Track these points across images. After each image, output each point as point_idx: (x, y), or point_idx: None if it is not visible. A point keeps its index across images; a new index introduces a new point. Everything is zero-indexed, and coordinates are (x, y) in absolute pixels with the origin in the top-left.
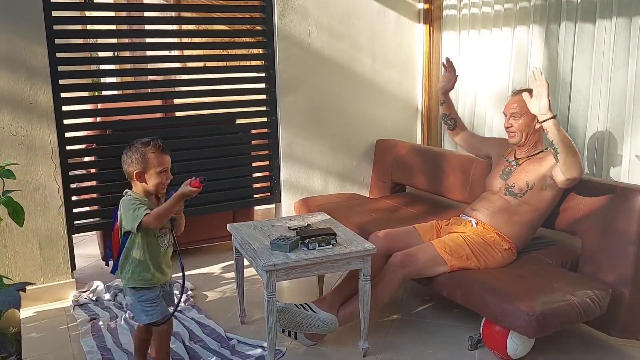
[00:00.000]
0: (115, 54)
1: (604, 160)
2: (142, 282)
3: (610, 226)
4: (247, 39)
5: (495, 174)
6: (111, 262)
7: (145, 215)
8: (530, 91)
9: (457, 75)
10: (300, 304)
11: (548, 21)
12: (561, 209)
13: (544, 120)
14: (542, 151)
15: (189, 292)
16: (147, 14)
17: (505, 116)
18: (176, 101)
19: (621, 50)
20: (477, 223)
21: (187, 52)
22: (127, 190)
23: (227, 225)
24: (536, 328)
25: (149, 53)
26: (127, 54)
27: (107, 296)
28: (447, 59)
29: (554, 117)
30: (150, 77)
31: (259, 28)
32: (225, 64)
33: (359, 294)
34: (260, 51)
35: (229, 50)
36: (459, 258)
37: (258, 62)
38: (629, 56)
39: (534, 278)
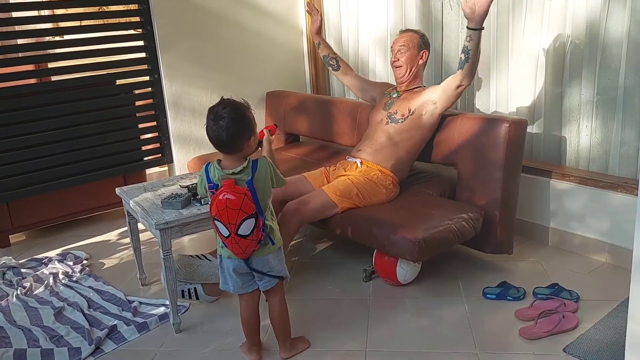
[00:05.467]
0: None
1: (475, 93)
2: None
3: (480, 155)
4: None
5: (378, 107)
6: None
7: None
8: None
9: (319, 12)
10: (196, 255)
11: None
12: (435, 143)
13: (477, 29)
14: (420, 87)
15: (84, 261)
16: None
17: (393, 51)
18: (50, 65)
19: None
20: (361, 162)
21: (58, 12)
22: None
23: (116, 189)
24: (419, 252)
25: (15, 14)
26: None
27: None
28: (308, 4)
29: (482, 28)
30: (19, 41)
31: None
32: (103, 22)
33: None
34: (135, 7)
35: (103, 7)
36: (348, 199)
37: (134, 19)
38: None
39: (416, 209)
